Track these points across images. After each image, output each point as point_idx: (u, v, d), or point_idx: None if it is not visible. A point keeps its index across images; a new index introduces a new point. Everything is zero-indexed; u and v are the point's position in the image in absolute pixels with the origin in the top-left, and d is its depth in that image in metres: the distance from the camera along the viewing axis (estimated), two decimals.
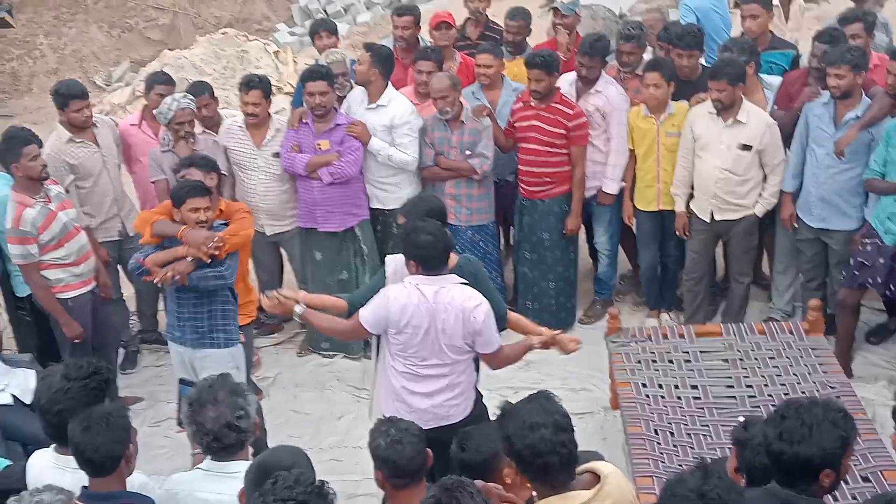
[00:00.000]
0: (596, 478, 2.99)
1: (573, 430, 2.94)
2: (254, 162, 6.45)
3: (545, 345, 4.59)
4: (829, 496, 4.16)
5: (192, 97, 6.22)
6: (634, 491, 3.13)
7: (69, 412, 3.46)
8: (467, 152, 6.37)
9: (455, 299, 4.29)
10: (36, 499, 2.94)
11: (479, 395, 4.70)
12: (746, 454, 3.31)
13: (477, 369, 4.70)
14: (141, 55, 12.91)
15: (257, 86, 6.38)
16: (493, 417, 4.06)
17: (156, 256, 5.03)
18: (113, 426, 3.31)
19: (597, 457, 3.42)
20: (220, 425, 3.35)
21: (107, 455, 3.28)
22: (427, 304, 4.28)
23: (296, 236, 6.67)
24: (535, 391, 3.06)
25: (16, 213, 5.51)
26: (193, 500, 3.37)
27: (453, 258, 4.54)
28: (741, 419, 3.71)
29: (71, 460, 3.44)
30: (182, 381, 4.10)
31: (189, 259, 4.95)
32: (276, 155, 6.43)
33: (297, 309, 4.58)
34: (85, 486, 3.34)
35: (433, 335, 4.33)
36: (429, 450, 3.52)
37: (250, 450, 3.56)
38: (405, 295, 4.31)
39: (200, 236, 4.95)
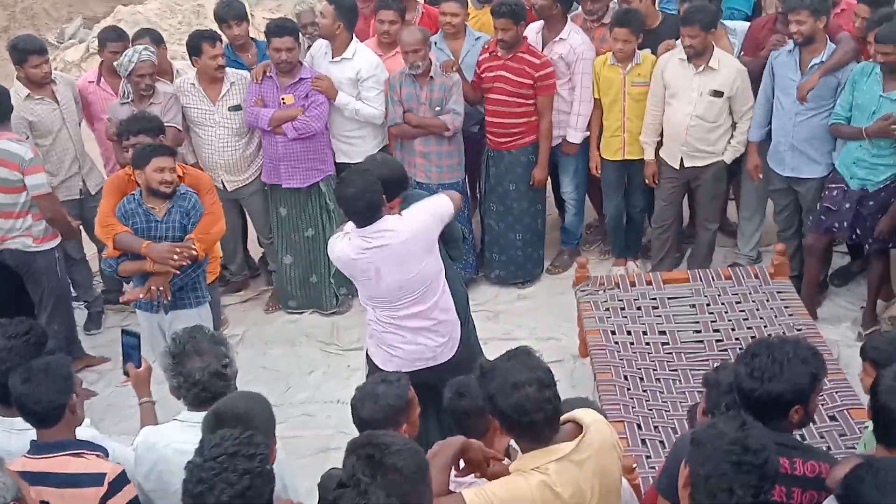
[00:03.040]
0: (578, 427, 2.98)
1: (556, 385, 2.93)
2: (211, 118, 6.32)
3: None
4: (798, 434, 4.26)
5: (152, 49, 6.11)
6: (616, 437, 3.13)
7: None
8: (437, 108, 6.30)
9: (395, 231, 4.29)
10: None
11: (467, 338, 4.74)
12: (713, 396, 3.34)
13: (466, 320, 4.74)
14: (94, 11, 12.63)
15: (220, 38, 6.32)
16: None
17: (126, 266, 5.02)
18: (53, 375, 3.27)
19: (584, 403, 3.41)
20: (209, 374, 3.33)
21: (49, 405, 3.25)
22: (367, 250, 4.30)
23: (257, 193, 6.58)
24: (515, 347, 3.02)
25: (30, 146, 5.46)
26: (171, 451, 3.34)
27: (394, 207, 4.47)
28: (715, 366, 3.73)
29: (17, 422, 3.40)
30: (125, 332, 4.06)
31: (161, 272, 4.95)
32: (234, 108, 6.31)
33: None
34: (34, 440, 3.32)
35: (387, 276, 4.34)
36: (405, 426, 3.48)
37: None
38: (341, 248, 4.39)
39: (163, 250, 4.89)
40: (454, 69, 6.33)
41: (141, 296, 5.02)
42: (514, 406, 2.85)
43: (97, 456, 3.30)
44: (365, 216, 4.27)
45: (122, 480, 3.25)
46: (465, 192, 6.75)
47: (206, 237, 5.08)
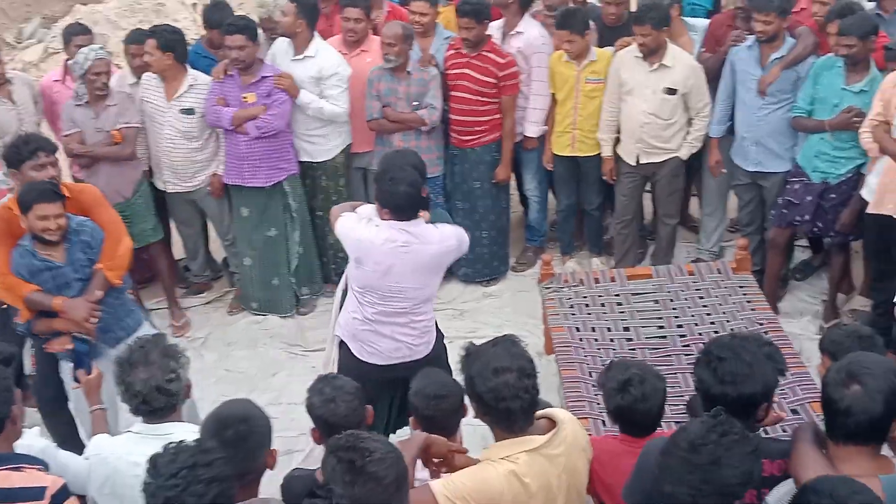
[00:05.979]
0: (552, 423, 3.00)
1: (537, 376, 2.93)
2: (162, 116, 6.24)
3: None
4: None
5: (108, 51, 6.04)
6: (588, 439, 3.14)
7: None
8: (414, 103, 6.28)
9: (429, 240, 4.32)
10: None
11: (439, 334, 4.75)
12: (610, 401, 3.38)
13: None
14: (52, 10, 12.43)
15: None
16: (453, 361, 4.06)
17: (40, 326, 4.59)
18: None
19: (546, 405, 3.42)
20: (151, 388, 3.27)
21: None
22: (394, 245, 4.26)
23: (209, 196, 6.50)
24: (502, 335, 3.04)
25: None
26: (125, 463, 3.30)
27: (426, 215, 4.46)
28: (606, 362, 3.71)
29: None
30: (75, 338, 3.94)
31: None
32: (186, 111, 6.22)
33: None
34: None
35: (395, 276, 4.32)
36: (369, 406, 3.49)
37: (183, 411, 3.50)
38: (366, 233, 4.29)
39: (81, 311, 4.48)
40: (432, 63, 6.32)
41: (67, 347, 4.55)
42: (491, 390, 2.87)
43: (37, 469, 3.21)
44: (408, 212, 4.27)
45: (63, 494, 3.17)
46: (445, 188, 6.71)
47: (115, 262, 4.68)
